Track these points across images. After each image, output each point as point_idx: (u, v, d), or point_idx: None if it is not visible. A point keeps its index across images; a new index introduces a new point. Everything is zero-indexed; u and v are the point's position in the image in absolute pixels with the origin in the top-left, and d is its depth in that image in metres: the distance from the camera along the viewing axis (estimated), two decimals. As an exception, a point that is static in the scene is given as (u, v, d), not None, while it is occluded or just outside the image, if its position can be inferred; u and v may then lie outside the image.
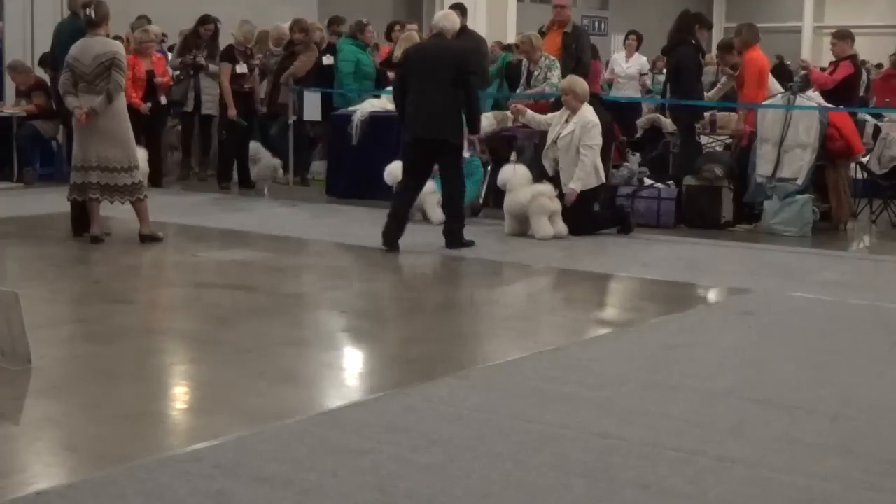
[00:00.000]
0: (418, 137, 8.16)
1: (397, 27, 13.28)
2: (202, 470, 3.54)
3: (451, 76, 8.07)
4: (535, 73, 10.30)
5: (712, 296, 7.06)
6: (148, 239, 8.19)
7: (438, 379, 4.75)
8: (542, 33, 11.26)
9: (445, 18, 8.49)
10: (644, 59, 14.46)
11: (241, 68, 12.00)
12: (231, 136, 12.05)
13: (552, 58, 10.40)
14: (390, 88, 12.15)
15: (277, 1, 14.28)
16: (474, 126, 8.49)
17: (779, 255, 8.38)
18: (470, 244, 8.24)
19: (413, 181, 8.42)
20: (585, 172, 8.87)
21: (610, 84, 14.17)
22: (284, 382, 4.71)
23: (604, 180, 9.10)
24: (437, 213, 9.35)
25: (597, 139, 8.92)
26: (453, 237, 8.25)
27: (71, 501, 3.30)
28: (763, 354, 5.32)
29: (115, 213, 8.56)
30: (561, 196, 8.81)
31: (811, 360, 5.23)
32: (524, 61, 10.52)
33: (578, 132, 8.89)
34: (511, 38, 15.11)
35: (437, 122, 8.08)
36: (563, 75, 10.11)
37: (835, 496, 3.46)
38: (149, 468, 3.54)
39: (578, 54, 10.56)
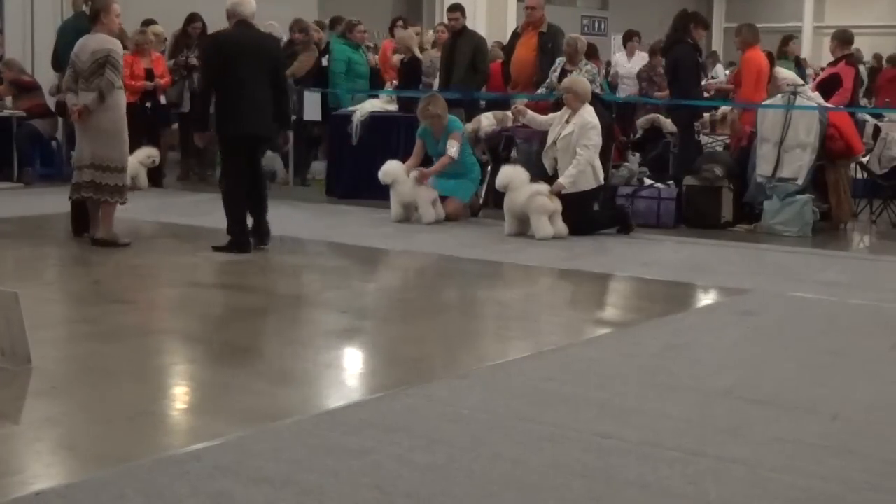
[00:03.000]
0: (247, 133, 7.85)
1: (399, 23, 13.26)
2: (202, 470, 3.54)
3: (270, 69, 7.87)
4: (572, 72, 10.24)
5: (712, 296, 7.05)
6: (103, 244, 7.96)
7: (438, 379, 4.75)
8: (516, 34, 11.28)
9: (244, 5, 7.88)
10: (646, 56, 14.39)
11: None
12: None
13: (594, 66, 10.49)
14: (387, 89, 12.25)
15: (277, 1, 14.26)
16: (288, 122, 8.47)
17: (779, 255, 8.38)
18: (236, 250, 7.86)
19: (246, 183, 7.97)
20: (578, 170, 8.87)
21: (615, 85, 14.13)
22: (284, 382, 4.71)
23: (602, 182, 9.09)
24: (430, 213, 9.40)
25: (594, 140, 8.93)
26: (266, 235, 8.01)
27: (71, 501, 3.30)
28: (763, 354, 5.31)
29: (116, 214, 8.53)
30: (559, 194, 8.80)
31: (811, 360, 5.23)
32: (559, 60, 10.51)
33: (577, 133, 8.90)
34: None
35: (264, 118, 7.87)
36: (541, 76, 10.38)
37: (835, 496, 3.46)
38: (149, 468, 3.54)
39: (555, 54, 10.56)
